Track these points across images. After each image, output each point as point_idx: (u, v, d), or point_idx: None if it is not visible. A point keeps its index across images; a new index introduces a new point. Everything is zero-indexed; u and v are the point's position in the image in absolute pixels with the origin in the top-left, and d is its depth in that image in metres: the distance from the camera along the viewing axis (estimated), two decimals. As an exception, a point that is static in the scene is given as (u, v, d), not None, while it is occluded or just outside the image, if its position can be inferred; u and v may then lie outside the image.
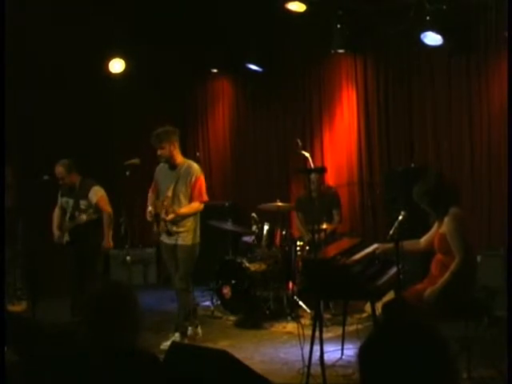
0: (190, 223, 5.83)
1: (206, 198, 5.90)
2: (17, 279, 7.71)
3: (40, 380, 2.38)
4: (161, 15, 7.85)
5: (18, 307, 7.29)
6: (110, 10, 7.67)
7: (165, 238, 5.91)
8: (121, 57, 8.23)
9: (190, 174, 5.79)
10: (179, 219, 5.77)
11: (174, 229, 5.80)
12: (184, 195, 5.79)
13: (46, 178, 6.39)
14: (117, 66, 8.27)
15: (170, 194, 5.78)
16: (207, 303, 7.30)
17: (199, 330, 6.01)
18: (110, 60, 8.22)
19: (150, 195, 6.04)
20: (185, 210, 5.79)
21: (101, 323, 2.37)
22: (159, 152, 5.76)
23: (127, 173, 6.01)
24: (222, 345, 5.67)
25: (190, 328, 5.93)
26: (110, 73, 8.28)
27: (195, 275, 7.81)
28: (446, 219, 4.65)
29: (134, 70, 8.30)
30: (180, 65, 8.67)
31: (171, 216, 5.72)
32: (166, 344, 5.32)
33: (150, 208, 5.87)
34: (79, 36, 7.72)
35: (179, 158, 5.85)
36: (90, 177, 6.55)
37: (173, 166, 5.83)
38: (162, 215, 5.77)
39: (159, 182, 5.95)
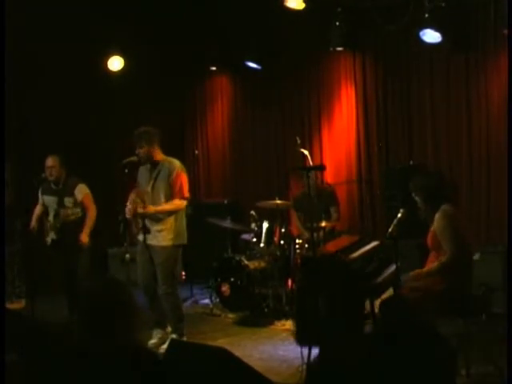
0: (170, 222, 5.58)
1: (187, 194, 5.67)
2: (15, 277, 7.71)
3: (40, 380, 2.38)
4: (160, 13, 7.85)
5: (16, 305, 7.29)
6: (109, 7, 7.66)
7: (141, 237, 5.66)
8: (120, 54, 8.22)
9: (171, 170, 5.63)
10: (161, 217, 5.57)
11: (154, 227, 5.58)
12: (164, 192, 5.60)
13: (43, 175, 6.37)
14: (116, 63, 8.26)
15: (149, 189, 5.63)
16: (206, 301, 7.30)
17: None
18: (108, 58, 8.22)
19: (132, 195, 5.81)
20: (165, 206, 5.57)
21: (96, 322, 2.35)
22: (137, 151, 5.65)
23: (126, 170, 5.98)
24: (221, 342, 5.68)
25: (168, 327, 5.81)
26: (109, 70, 8.28)
27: (194, 273, 7.85)
28: (437, 216, 4.67)
29: (132, 67, 8.29)
30: (179, 62, 8.67)
31: (151, 208, 5.50)
32: (163, 347, 5.29)
33: (129, 205, 5.58)
34: (78, 34, 7.72)
35: (159, 156, 5.71)
36: (74, 175, 6.49)
37: (153, 164, 5.71)
38: (139, 210, 5.52)
39: (140, 181, 5.81)
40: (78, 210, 6.34)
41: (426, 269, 4.68)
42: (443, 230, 4.62)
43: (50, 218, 6.40)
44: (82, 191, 6.38)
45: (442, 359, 1.64)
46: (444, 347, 1.66)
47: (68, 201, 6.34)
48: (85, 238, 6.32)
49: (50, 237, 6.41)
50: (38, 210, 6.57)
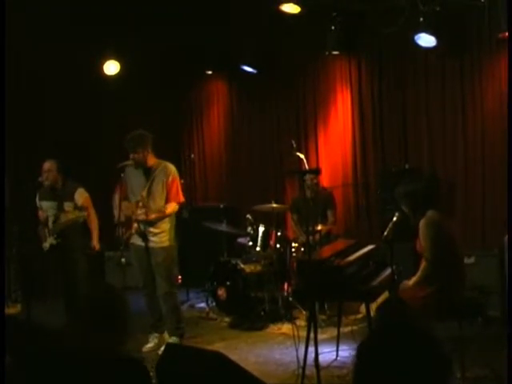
0: (165, 224, 5.72)
1: (182, 198, 5.84)
2: (11, 281, 7.68)
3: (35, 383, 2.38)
4: (156, 17, 7.86)
5: (12, 309, 7.27)
6: (105, 11, 7.67)
7: (138, 241, 5.74)
8: (116, 59, 8.23)
9: (167, 174, 5.71)
10: (155, 220, 5.66)
11: (150, 230, 5.67)
12: (160, 196, 5.69)
13: (40, 180, 6.35)
14: (112, 67, 8.27)
15: (144, 194, 5.65)
16: (202, 304, 7.30)
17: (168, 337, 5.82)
18: (104, 62, 8.22)
19: (116, 197, 5.85)
20: (165, 211, 5.68)
21: (91, 325, 2.37)
22: (132, 156, 5.64)
23: (122, 174, 5.98)
24: (217, 346, 5.67)
25: (166, 333, 5.84)
26: (105, 75, 8.28)
27: (190, 277, 7.85)
28: (420, 223, 4.68)
29: (128, 71, 8.30)
30: (175, 66, 8.68)
31: (153, 215, 5.60)
32: (160, 351, 5.29)
33: (116, 213, 5.68)
34: (74, 38, 7.72)
35: (152, 160, 5.74)
36: (72, 179, 6.49)
37: (145, 168, 5.72)
38: (141, 216, 5.58)
39: (131, 184, 5.80)
40: (84, 213, 6.30)
41: (411, 281, 4.72)
42: (423, 239, 4.65)
43: (50, 223, 6.35)
44: (82, 195, 6.37)
45: (436, 363, 1.65)
46: (439, 351, 1.66)
47: (68, 205, 6.30)
48: (96, 244, 6.34)
49: (49, 242, 6.32)
50: (41, 216, 6.51)
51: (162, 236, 5.73)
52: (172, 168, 5.81)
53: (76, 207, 6.32)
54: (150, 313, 5.96)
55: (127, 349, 2.43)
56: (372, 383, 1.64)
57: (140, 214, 5.62)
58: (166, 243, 5.75)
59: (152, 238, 5.70)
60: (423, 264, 4.68)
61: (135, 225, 5.67)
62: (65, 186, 6.36)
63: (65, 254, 6.31)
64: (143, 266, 5.82)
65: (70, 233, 6.29)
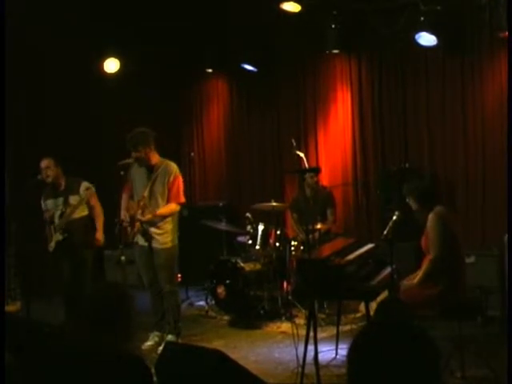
0: (167, 225, 5.69)
1: (183, 199, 5.77)
2: (10, 279, 7.68)
3: (35, 381, 2.38)
4: (156, 15, 7.85)
5: (12, 307, 7.26)
6: (105, 9, 7.66)
7: (140, 241, 5.74)
8: (115, 56, 8.22)
9: (168, 173, 5.67)
10: (157, 221, 5.63)
11: (152, 230, 5.65)
12: (161, 195, 5.66)
13: (39, 177, 6.34)
14: (111, 65, 8.27)
15: (146, 193, 5.63)
16: (201, 303, 7.30)
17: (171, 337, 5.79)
18: (105, 60, 8.22)
19: (124, 196, 5.88)
20: (162, 211, 5.63)
21: (96, 324, 2.37)
22: (134, 155, 5.62)
23: (122, 173, 5.97)
24: (216, 344, 5.67)
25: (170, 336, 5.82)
26: (105, 72, 8.28)
27: (189, 275, 7.84)
28: (430, 216, 4.73)
29: (128, 69, 8.29)
30: (175, 64, 8.67)
31: (148, 216, 5.57)
32: (159, 350, 5.28)
33: (123, 213, 5.70)
34: (74, 36, 7.71)
35: (155, 158, 5.71)
36: (75, 175, 6.48)
37: (149, 166, 5.70)
38: (138, 216, 5.57)
39: (134, 183, 5.80)
40: (84, 206, 6.29)
41: (416, 279, 4.73)
42: (432, 230, 4.70)
43: (56, 219, 6.32)
44: (87, 188, 6.36)
45: (426, 360, 1.65)
46: (429, 346, 1.67)
47: (74, 199, 6.27)
48: (100, 236, 6.31)
49: (55, 239, 6.27)
50: (47, 216, 6.42)
51: (164, 237, 5.70)
52: (174, 167, 5.76)
53: (81, 202, 6.30)
54: (153, 311, 5.95)
55: (128, 347, 2.43)
56: (366, 379, 1.64)
57: (139, 213, 5.61)
58: (169, 244, 5.72)
59: (155, 239, 5.69)
60: (428, 260, 4.67)
61: (137, 224, 5.66)
62: (69, 181, 6.36)
63: (71, 250, 6.27)
64: (147, 265, 5.81)
65: (75, 229, 6.26)
